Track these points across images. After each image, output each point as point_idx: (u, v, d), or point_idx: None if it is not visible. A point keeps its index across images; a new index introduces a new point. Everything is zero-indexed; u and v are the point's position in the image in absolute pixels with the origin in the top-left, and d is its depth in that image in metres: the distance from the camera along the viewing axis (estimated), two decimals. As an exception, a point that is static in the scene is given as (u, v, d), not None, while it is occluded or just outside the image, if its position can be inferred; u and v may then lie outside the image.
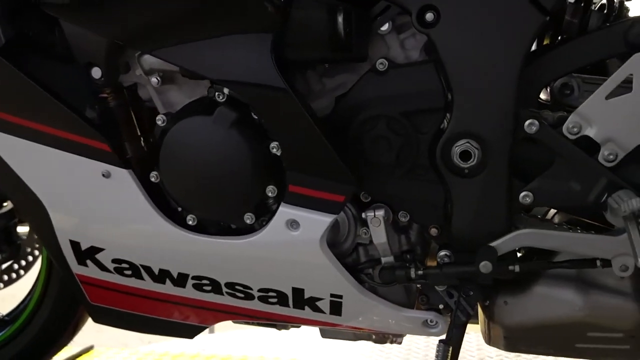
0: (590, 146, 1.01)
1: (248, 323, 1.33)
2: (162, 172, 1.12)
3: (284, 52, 1.03)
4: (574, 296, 1.10)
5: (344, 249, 1.17)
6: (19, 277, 1.79)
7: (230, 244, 1.14)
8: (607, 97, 0.98)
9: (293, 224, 1.08)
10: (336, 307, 1.19)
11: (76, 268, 1.29)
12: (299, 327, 1.33)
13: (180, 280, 1.22)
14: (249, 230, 1.14)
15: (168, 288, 1.25)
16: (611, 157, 1.00)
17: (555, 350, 1.16)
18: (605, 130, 0.99)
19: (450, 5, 1.00)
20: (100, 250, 1.24)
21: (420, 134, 1.07)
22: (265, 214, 1.13)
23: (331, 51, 1.04)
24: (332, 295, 1.17)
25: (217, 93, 1.08)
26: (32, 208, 1.22)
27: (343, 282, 1.14)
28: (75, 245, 1.25)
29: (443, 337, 1.12)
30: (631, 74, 0.96)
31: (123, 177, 1.13)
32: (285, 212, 1.08)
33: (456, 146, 1.04)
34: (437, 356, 1.09)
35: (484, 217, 1.06)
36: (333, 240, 1.15)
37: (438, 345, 1.10)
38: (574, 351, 1.14)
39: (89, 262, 1.26)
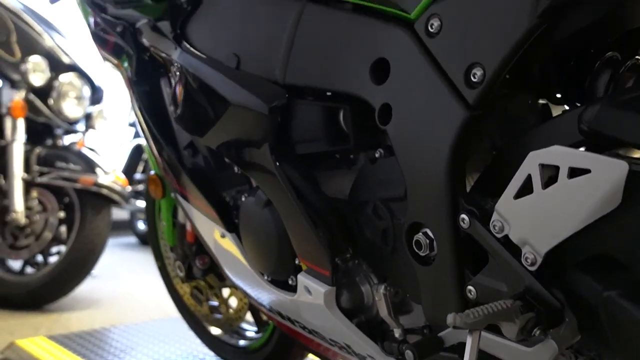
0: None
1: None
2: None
3: (293, 147, 1.24)
4: None
5: (372, 316, 1.28)
6: None
7: (288, 299, 1.38)
8: (515, 197, 0.90)
9: (307, 289, 1.27)
10: (385, 371, 1.30)
11: None
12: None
13: (293, 323, 1.49)
14: None
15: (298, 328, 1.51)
16: (529, 260, 0.90)
17: None
18: (519, 231, 0.90)
19: (399, 102, 1.05)
20: None
21: (396, 220, 1.12)
22: None
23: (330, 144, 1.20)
24: (370, 357, 1.29)
25: None
26: None
27: (364, 346, 1.26)
28: None
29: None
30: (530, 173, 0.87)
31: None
32: (300, 279, 1.28)
33: (416, 236, 1.07)
34: None
35: (439, 307, 1.06)
36: (360, 307, 1.28)
37: None
38: None
39: None
